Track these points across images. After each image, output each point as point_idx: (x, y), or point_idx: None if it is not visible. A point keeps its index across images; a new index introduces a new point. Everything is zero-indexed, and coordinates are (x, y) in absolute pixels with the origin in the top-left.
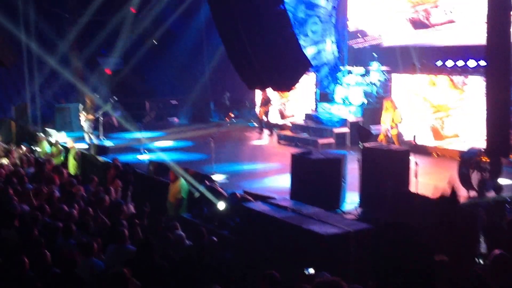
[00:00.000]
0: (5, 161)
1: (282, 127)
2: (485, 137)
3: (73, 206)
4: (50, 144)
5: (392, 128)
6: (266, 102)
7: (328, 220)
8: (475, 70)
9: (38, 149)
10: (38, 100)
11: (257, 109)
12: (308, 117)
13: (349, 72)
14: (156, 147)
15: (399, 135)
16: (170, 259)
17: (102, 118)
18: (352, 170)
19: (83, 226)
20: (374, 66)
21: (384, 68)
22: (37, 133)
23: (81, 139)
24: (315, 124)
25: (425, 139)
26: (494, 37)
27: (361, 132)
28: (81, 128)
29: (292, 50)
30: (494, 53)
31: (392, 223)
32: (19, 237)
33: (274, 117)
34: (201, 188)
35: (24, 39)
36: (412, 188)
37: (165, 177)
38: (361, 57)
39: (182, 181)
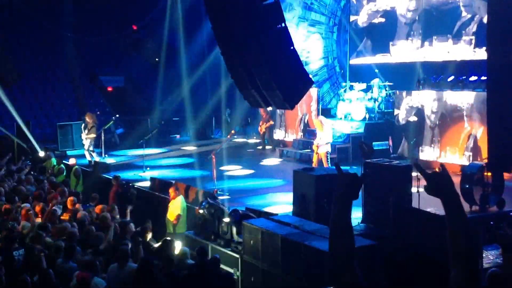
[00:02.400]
0: None
1: (284, 143)
2: (487, 152)
3: (73, 225)
4: (57, 162)
5: (319, 147)
6: (267, 118)
7: None
8: (477, 85)
9: (46, 165)
10: (40, 117)
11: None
12: (310, 133)
13: (351, 87)
14: (158, 164)
15: (327, 155)
16: (173, 277)
17: (103, 136)
18: None
19: (85, 244)
20: (376, 81)
21: (386, 83)
22: (46, 151)
23: (82, 157)
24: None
25: (427, 154)
26: (496, 51)
27: (363, 147)
28: (82, 146)
29: (294, 68)
30: (497, 68)
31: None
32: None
33: (277, 134)
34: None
35: (27, 57)
36: (414, 204)
37: (166, 194)
38: (363, 73)
39: (181, 198)
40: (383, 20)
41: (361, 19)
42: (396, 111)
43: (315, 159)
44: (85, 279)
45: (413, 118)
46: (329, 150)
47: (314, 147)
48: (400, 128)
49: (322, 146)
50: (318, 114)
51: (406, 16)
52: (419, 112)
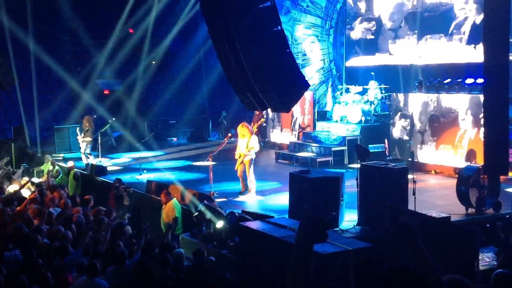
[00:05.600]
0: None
1: (280, 146)
2: (483, 155)
3: (71, 227)
4: (53, 165)
5: (246, 155)
6: (259, 118)
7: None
8: (473, 88)
9: (43, 168)
10: (37, 121)
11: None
12: (306, 135)
13: (347, 90)
14: (154, 166)
15: (251, 162)
16: (169, 280)
17: (100, 139)
18: (350, 188)
19: (82, 247)
20: (372, 84)
21: (382, 86)
22: (45, 154)
23: (80, 160)
24: (313, 143)
25: (423, 157)
26: (492, 54)
27: (359, 150)
28: (79, 149)
29: (290, 71)
30: (493, 71)
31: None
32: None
33: (274, 134)
34: (201, 207)
35: (24, 60)
36: (410, 206)
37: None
38: (359, 76)
39: (175, 200)
40: (373, 37)
41: (355, 33)
42: (392, 114)
43: (240, 169)
44: (64, 281)
45: (409, 121)
46: (253, 157)
47: (238, 156)
48: (396, 130)
49: (248, 155)
50: (314, 117)
51: (386, 26)
52: (414, 115)
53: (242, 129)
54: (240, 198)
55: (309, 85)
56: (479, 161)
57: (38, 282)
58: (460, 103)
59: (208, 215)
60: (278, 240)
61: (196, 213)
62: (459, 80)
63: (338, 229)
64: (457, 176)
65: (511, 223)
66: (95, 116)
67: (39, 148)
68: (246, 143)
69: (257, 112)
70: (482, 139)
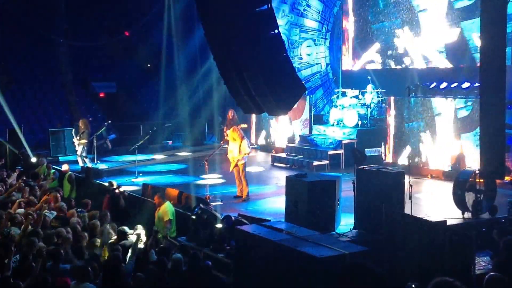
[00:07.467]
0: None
1: (276, 149)
2: (480, 159)
3: (66, 231)
4: (48, 168)
5: (239, 159)
6: (230, 122)
7: (323, 243)
8: (470, 92)
9: (39, 171)
10: (32, 123)
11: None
12: (302, 139)
13: (344, 94)
14: (150, 169)
15: (245, 166)
16: (166, 284)
17: (96, 141)
18: (347, 192)
19: (78, 251)
20: (369, 88)
21: (379, 90)
22: (39, 157)
23: (75, 163)
24: (310, 146)
25: (420, 161)
26: (489, 58)
27: (356, 154)
28: (75, 151)
29: (287, 74)
30: (489, 74)
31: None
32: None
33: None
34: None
35: (19, 63)
36: (407, 210)
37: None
38: (355, 79)
39: (168, 203)
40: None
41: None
42: (388, 118)
43: (236, 172)
44: (63, 285)
45: (403, 125)
46: (246, 161)
47: (232, 160)
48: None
49: (242, 160)
50: (311, 120)
51: None
52: (411, 118)
53: (232, 133)
54: (236, 202)
55: (306, 89)
56: (468, 165)
57: (36, 286)
58: (456, 106)
59: (204, 218)
60: (274, 243)
61: (194, 216)
62: (455, 84)
63: (334, 233)
64: (444, 178)
65: (505, 227)
66: (90, 118)
67: (30, 151)
68: (238, 147)
69: (229, 117)
70: (478, 143)
